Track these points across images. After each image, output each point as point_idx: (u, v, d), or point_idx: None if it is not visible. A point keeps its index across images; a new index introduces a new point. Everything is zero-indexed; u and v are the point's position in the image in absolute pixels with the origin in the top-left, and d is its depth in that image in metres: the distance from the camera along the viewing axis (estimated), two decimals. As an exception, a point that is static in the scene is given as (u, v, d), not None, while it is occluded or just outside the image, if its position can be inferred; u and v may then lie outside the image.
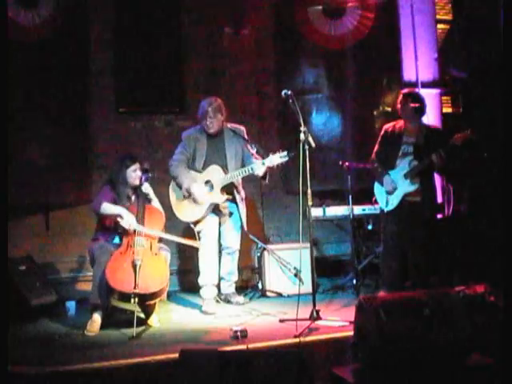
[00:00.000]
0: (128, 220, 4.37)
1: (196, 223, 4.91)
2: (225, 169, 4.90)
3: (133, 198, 4.65)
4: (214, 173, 4.88)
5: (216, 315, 4.74)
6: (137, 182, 4.61)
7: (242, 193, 5.12)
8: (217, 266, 5.06)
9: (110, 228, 4.54)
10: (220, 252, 5.18)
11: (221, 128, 4.97)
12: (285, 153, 4.63)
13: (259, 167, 4.70)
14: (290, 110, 4.51)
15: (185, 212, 4.93)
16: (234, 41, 6.28)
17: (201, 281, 5.00)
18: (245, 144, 4.99)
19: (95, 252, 4.42)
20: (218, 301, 5.08)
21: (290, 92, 4.42)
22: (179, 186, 4.92)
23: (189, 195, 4.85)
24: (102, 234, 4.56)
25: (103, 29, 5.93)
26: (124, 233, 4.42)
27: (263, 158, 4.73)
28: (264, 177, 4.80)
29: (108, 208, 4.44)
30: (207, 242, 4.95)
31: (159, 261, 4.41)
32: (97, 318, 4.31)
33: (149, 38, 6.00)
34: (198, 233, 4.94)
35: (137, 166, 4.61)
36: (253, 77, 6.37)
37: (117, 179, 4.60)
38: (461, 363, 3.05)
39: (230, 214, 5.04)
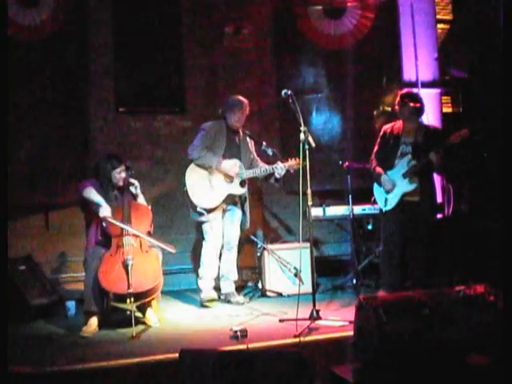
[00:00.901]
0: (104, 209, 4.36)
1: (209, 211, 4.95)
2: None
3: (117, 195, 4.64)
4: (234, 166, 4.98)
5: (216, 315, 4.74)
6: (121, 184, 4.61)
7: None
8: (217, 261, 5.14)
9: (98, 227, 4.55)
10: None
11: (239, 127, 5.12)
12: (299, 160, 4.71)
13: (281, 168, 4.90)
14: (290, 110, 4.52)
15: (202, 197, 4.95)
16: (233, 41, 6.28)
17: (201, 272, 5.10)
18: (251, 146, 5.15)
19: (87, 258, 4.43)
20: (216, 298, 5.12)
21: (290, 92, 4.43)
22: (204, 167, 4.96)
23: (214, 173, 4.93)
24: (92, 233, 4.57)
25: (103, 29, 5.94)
26: (110, 231, 4.40)
27: (281, 162, 4.93)
28: (279, 179, 5.01)
29: (91, 193, 4.44)
30: (213, 237, 5.03)
31: (151, 258, 4.42)
32: (93, 321, 4.30)
33: (149, 37, 6.00)
34: (202, 223, 5.03)
35: (122, 167, 4.61)
36: (253, 77, 6.37)
37: (102, 178, 4.60)
38: (460, 363, 3.05)
39: (241, 203, 5.17)
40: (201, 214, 4.96)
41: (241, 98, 5.08)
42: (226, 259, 5.20)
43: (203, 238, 5.12)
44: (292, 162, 4.89)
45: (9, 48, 3.57)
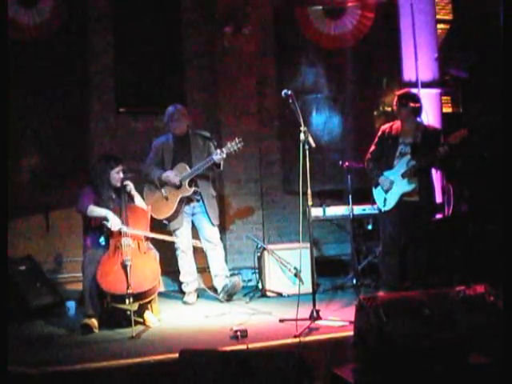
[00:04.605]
0: (113, 222, 4.38)
1: (170, 220, 5.16)
2: (191, 165, 5.16)
3: (114, 196, 4.63)
4: (181, 170, 5.15)
5: (216, 315, 4.74)
6: (118, 184, 4.60)
7: (212, 190, 5.32)
8: (194, 264, 5.34)
9: (96, 228, 4.55)
10: (205, 252, 5.36)
11: (186, 131, 5.25)
12: (240, 139, 5.01)
13: (217, 155, 5.00)
14: (290, 110, 4.52)
15: (160, 210, 5.15)
16: (234, 41, 6.27)
17: (182, 278, 5.31)
18: (204, 143, 5.27)
19: (85, 262, 4.42)
20: (195, 301, 5.28)
21: (290, 92, 4.43)
22: (152, 182, 5.19)
23: (162, 185, 5.14)
24: (90, 235, 4.58)
25: (103, 29, 5.94)
26: (109, 233, 4.42)
27: (220, 149, 5.06)
28: (219, 165, 5.13)
29: (94, 211, 4.47)
30: (183, 243, 5.24)
31: (149, 259, 4.44)
32: (92, 322, 4.31)
33: (149, 37, 6.01)
34: (173, 231, 5.20)
35: (120, 167, 4.62)
36: (253, 77, 6.36)
37: (100, 180, 4.59)
38: (460, 363, 3.05)
39: (197, 200, 5.26)
40: (165, 225, 5.19)
41: (174, 106, 5.24)
42: (213, 258, 5.30)
43: (175, 247, 5.30)
44: (229, 145, 5.01)
45: (9, 48, 3.55)
